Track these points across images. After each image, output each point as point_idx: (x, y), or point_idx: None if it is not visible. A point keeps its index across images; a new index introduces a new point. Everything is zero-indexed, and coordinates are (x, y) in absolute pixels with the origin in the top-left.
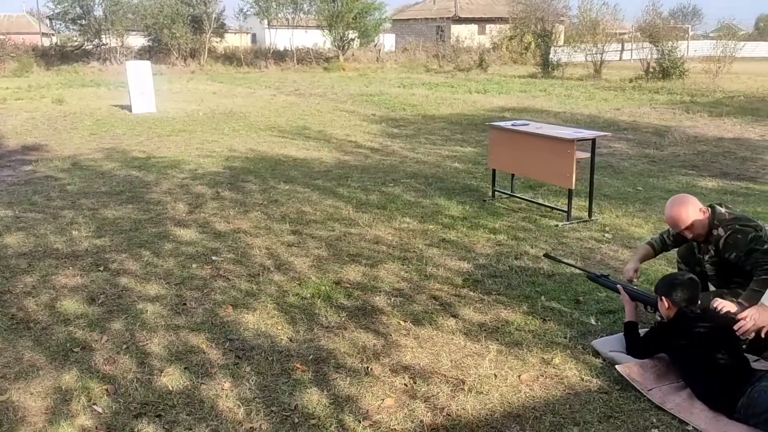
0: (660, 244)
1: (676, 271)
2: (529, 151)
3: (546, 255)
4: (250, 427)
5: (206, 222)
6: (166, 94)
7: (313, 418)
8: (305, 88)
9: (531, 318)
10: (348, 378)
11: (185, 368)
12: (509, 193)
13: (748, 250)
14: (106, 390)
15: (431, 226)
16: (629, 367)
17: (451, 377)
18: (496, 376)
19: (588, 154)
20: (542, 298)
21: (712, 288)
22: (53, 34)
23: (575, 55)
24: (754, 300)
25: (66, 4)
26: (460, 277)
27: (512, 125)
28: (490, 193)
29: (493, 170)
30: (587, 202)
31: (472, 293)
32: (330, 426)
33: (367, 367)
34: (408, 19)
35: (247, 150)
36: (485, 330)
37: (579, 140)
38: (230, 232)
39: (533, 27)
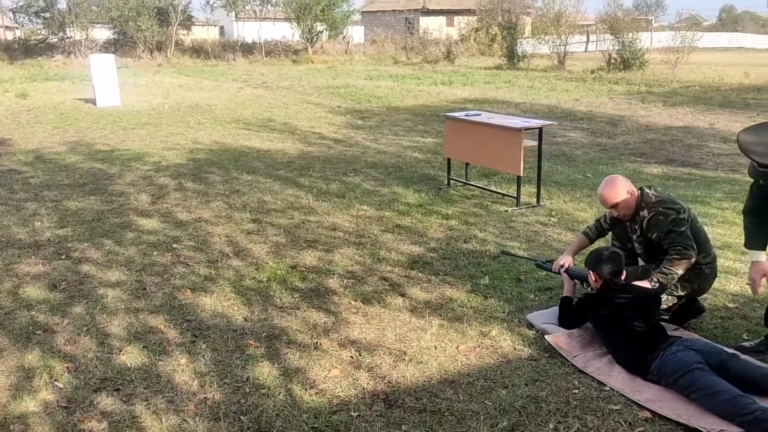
0: (595, 230)
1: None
2: (480, 140)
3: (503, 251)
4: (204, 397)
5: (168, 212)
6: (131, 87)
7: (264, 388)
8: (272, 80)
9: (474, 295)
10: (298, 352)
11: (143, 347)
12: (463, 181)
13: (667, 231)
14: (67, 368)
15: (387, 213)
16: (557, 337)
17: (394, 349)
18: (436, 347)
19: (535, 143)
20: (486, 277)
21: (641, 263)
22: (17, 28)
23: (540, 46)
24: (664, 279)
25: None
26: (410, 260)
27: (465, 115)
28: (446, 182)
29: (448, 159)
30: (534, 187)
31: (420, 274)
32: (279, 394)
33: (316, 342)
34: (377, 11)
35: (211, 142)
36: (430, 307)
37: (526, 129)
38: (192, 221)
39: (499, 19)
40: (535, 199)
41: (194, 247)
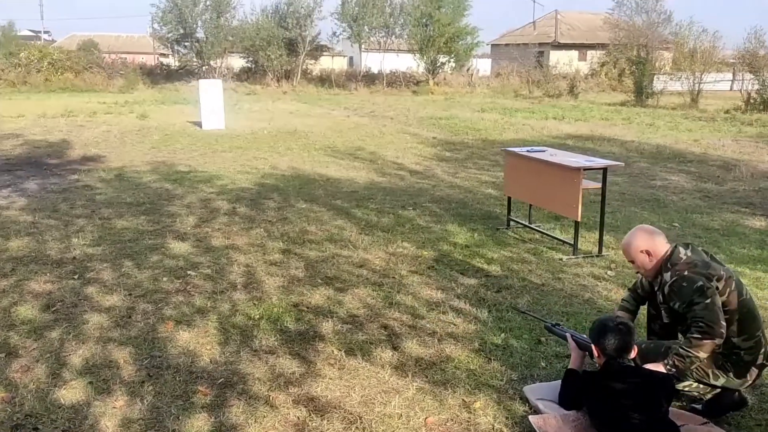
0: (632, 300)
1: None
2: (538, 178)
3: (513, 307)
4: None
5: (205, 236)
6: (245, 112)
7: None
8: (381, 110)
9: (477, 356)
10: (244, 405)
11: (89, 383)
12: (523, 223)
13: (690, 302)
14: (2, 398)
15: (426, 253)
16: (546, 420)
17: (352, 413)
18: (400, 415)
19: (599, 185)
20: (501, 335)
21: (681, 337)
22: (170, 55)
23: (673, 83)
24: (681, 363)
25: (170, 26)
26: (425, 307)
27: (527, 151)
28: (506, 222)
29: (509, 198)
30: (608, 236)
31: (428, 325)
32: None
33: (269, 396)
34: (506, 45)
35: (288, 168)
36: (419, 365)
37: (587, 169)
38: (222, 247)
39: (629, 53)
40: (596, 248)
41: (207, 275)
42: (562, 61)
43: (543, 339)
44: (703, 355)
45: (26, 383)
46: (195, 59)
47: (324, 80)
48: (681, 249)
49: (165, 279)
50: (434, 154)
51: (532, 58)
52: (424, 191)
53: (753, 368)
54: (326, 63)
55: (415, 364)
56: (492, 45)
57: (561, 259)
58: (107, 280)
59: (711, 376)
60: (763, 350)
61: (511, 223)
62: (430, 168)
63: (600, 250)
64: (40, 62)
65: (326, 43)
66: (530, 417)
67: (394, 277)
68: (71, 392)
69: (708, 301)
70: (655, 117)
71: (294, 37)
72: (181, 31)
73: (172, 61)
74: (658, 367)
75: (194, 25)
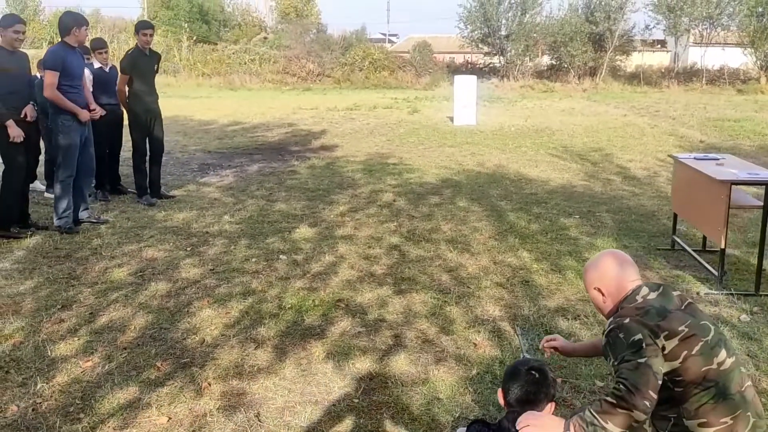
0: None
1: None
2: (691, 191)
3: (517, 325)
4: (35, 401)
5: (335, 225)
6: (516, 109)
7: (92, 414)
8: (670, 109)
9: (459, 385)
10: (174, 388)
11: (88, 341)
12: (684, 245)
13: (621, 358)
14: (14, 343)
15: (537, 266)
16: None
17: (260, 419)
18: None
19: (759, 203)
20: None
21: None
22: (495, 54)
23: None
24: (581, 429)
25: (475, 25)
26: (465, 323)
27: (694, 158)
28: (670, 244)
29: (674, 215)
30: None
31: (446, 342)
32: (77, 424)
33: (205, 385)
34: None
35: (492, 165)
36: (383, 383)
37: (738, 183)
38: (339, 237)
39: None
40: (754, 286)
41: (294, 261)
42: None
43: (559, 380)
44: (611, 427)
45: (45, 333)
46: (499, 57)
47: (634, 77)
48: (644, 290)
49: (254, 260)
50: None
51: None
52: (614, 199)
53: None
54: (645, 59)
55: (379, 382)
56: None
57: (698, 294)
58: (208, 255)
59: None
60: None
61: (677, 245)
62: (656, 174)
63: (757, 288)
64: (363, 61)
65: (638, 37)
66: None
67: (468, 287)
68: (66, 347)
69: (641, 360)
70: None
71: (602, 32)
72: (485, 30)
73: (501, 60)
74: None
75: (498, 24)
